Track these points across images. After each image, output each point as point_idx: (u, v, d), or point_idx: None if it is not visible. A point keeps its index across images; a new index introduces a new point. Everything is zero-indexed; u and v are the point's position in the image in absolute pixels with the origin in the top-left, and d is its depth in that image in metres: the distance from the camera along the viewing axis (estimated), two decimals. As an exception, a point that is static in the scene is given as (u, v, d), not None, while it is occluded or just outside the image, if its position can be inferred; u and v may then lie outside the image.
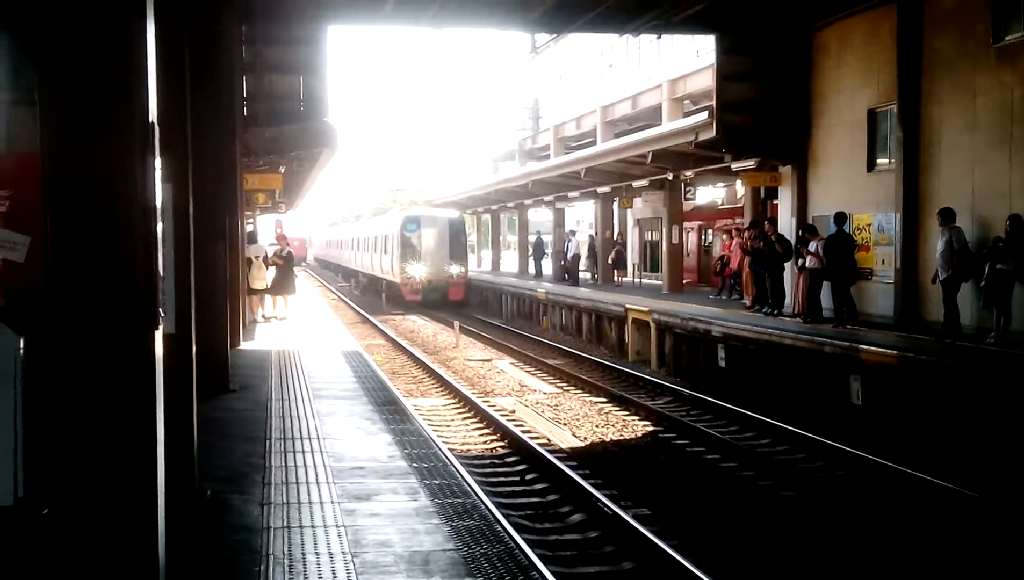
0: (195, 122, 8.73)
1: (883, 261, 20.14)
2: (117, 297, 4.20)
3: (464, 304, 40.46)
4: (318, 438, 10.51)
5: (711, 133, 23.21)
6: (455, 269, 40.79)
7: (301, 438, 10.51)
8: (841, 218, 19.48)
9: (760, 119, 23.12)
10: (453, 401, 18.14)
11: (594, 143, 41.68)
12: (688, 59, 36.48)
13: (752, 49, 23.05)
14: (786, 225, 23.22)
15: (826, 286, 19.93)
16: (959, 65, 18.10)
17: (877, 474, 12.25)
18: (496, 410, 16.82)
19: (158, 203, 4.34)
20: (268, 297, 24.68)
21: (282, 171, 27.31)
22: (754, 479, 12.36)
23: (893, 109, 19.75)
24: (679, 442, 14.59)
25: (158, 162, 4.36)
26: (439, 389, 19.65)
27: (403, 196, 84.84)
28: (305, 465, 9.28)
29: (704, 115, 24.27)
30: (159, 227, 4.37)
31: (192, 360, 8.07)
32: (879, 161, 20.86)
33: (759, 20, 22.41)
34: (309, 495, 8.21)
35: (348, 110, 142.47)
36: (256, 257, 23.22)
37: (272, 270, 23.94)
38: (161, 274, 4.45)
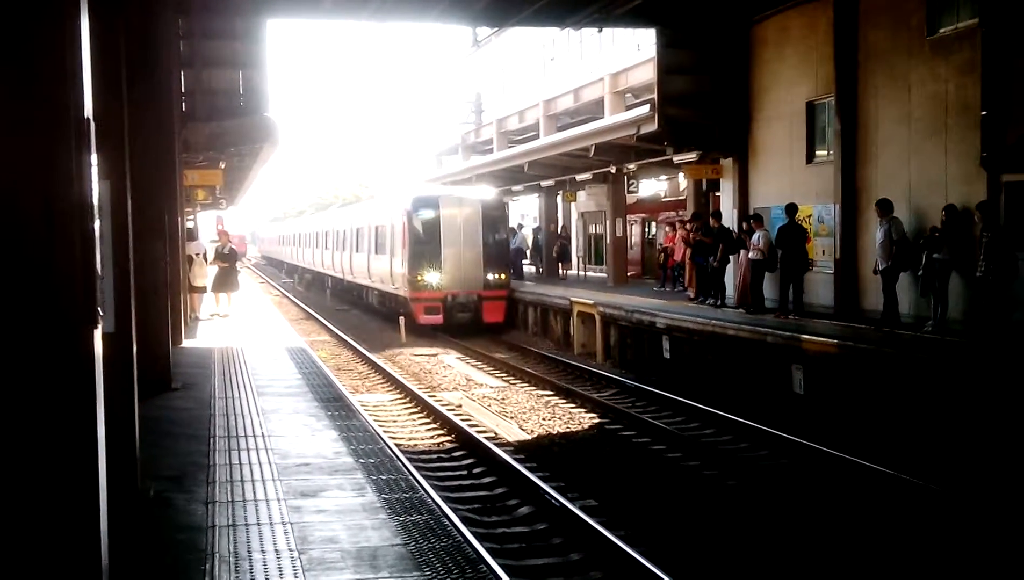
0: (132, 118, 8.62)
1: (823, 252, 20.42)
2: (54, 296, 4.13)
3: (503, 328, 28.23)
4: (263, 435, 10.43)
5: (653, 126, 23.35)
6: (492, 276, 28.17)
7: (246, 435, 10.42)
8: (792, 209, 19.68)
9: (701, 112, 23.32)
10: (399, 396, 18.09)
11: (537, 137, 41.69)
12: (630, 53, 36.65)
13: (693, 42, 23.23)
14: (728, 217, 23.44)
15: (769, 276, 20.17)
16: (894, 58, 18.39)
17: (819, 462, 12.43)
18: (443, 405, 16.81)
19: (95, 200, 4.28)
20: (211, 294, 24.42)
21: (222, 167, 27.02)
22: (699, 468, 12.47)
23: (831, 101, 20.02)
24: (625, 434, 14.69)
25: (94, 159, 4.29)
26: (385, 384, 19.59)
27: (345, 191, 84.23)
28: (250, 462, 9.21)
29: (646, 108, 24.45)
30: (96, 225, 4.31)
31: (132, 358, 7.97)
32: (818, 153, 21.14)
33: (699, 14, 22.59)
34: (255, 492, 8.15)
35: (289, 105, 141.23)
36: (197, 254, 22.96)
37: (214, 267, 23.70)
38: (99, 272, 4.39)
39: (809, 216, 20.75)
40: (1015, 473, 11.33)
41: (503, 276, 28.40)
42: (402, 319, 28.22)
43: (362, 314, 35.39)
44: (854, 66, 19.32)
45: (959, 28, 17.04)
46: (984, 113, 15.76)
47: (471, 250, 28.05)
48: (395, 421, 15.97)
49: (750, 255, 20.18)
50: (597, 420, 15.75)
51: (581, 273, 37.37)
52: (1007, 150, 15.51)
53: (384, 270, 30.69)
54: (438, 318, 27.44)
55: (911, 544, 9.37)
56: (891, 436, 13.40)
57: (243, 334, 20.78)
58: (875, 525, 9.94)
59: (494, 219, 28.91)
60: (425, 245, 27.69)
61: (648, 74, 30.69)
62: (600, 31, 29.57)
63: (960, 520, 9.94)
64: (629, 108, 32.48)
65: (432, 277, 27.50)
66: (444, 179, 43.87)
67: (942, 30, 17.44)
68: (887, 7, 18.64)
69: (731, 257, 21.67)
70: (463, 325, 27.54)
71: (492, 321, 27.77)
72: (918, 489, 10.86)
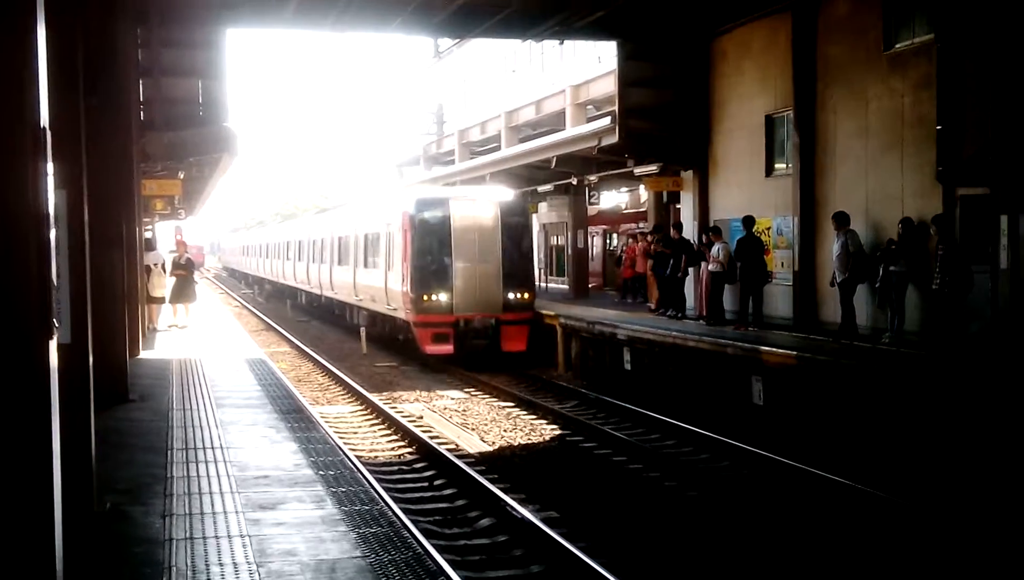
0: (89, 126, 8.53)
1: (782, 264, 20.59)
2: (8, 306, 4.07)
3: (526, 355, 23.25)
4: (221, 447, 10.32)
5: (614, 138, 23.47)
6: (514, 295, 23.15)
7: (204, 448, 10.31)
8: (750, 221, 19.82)
9: (662, 124, 23.47)
10: (360, 408, 18.01)
11: (499, 148, 41.75)
12: (591, 65, 36.81)
13: (654, 55, 23.39)
14: (688, 229, 23.58)
15: (729, 288, 20.30)
16: (852, 72, 18.60)
17: (777, 472, 12.50)
18: (404, 416, 16.75)
19: (51, 209, 4.22)
20: (169, 305, 24.20)
21: (181, 176, 26.80)
22: (659, 480, 12.51)
23: (789, 115, 20.22)
24: (586, 445, 14.70)
25: (50, 167, 4.24)
26: (346, 395, 19.49)
27: (306, 202, 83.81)
28: (208, 475, 9.11)
29: (607, 120, 24.55)
30: (52, 234, 4.26)
31: (89, 370, 7.87)
32: (777, 166, 21.33)
33: (660, 27, 22.74)
34: (212, 505, 8.06)
35: (250, 115, 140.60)
36: (155, 264, 22.75)
37: (172, 278, 23.50)
38: (55, 283, 4.33)
39: (768, 228, 20.92)
40: (971, 481, 11.46)
41: (526, 295, 23.32)
42: (363, 330, 27.99)
43: (322, 325, 35.22)
44: (812, 80, 19.53)
45: (915, 43, 17.26)
46: (940, 128, 15.96)
47: (489, 263, 22.99)
48: (356, 433, 15.89)
49: (710, 267, 20.29)
50: (559, 431, 15.75)
51: (542, 284, 37.44)
52: (962, 164, 15.72)
53: (376, 287, 25.91)
54: (448, 347, 22.50)
55: (866, 553, 9.44)
56: (848, 446, 13.50)
57: (202, 345, 20.60)
58: (831, 534, 10.01)
59: (516, 225, 23.69)
60: (432, 257, 22.84)
61: (609, 86, 30.82)
62: (561, 43, 29.67)
63: (915, 529, 10.03)
64: (590, 120, 32.59)
65: (441, 297, 22.52)
66: (406, 187, 42.17)
67: (898, 45, 17.66)
68: (845, 22, 18.87)
69: (691, 269, 21.79)
70: (478, 354, 22.80)
71: (513, 350, 22.86)
72: (874, 499, 10.95)
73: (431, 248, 22.89)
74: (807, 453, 13.18)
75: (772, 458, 12.89)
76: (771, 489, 11.89)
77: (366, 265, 27.59)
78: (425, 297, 22.56)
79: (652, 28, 22.76)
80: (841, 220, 17.22)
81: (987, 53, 15.22)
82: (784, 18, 20.14)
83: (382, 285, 25.20)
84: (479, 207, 23.53)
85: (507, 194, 25.43)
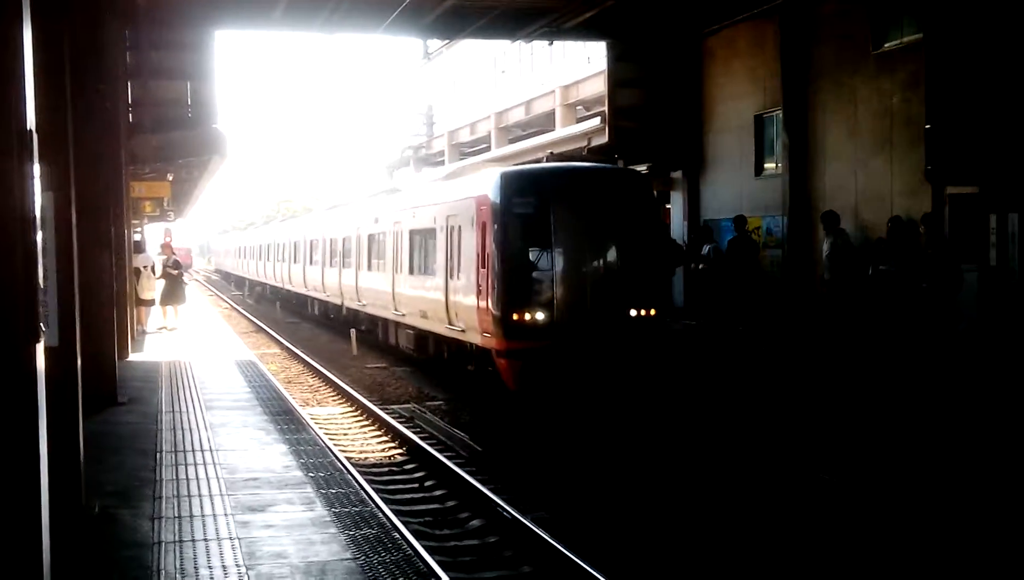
0: (77, 129, 8.51)
1: (772, 263, 20.63)
2: (-6, 309, 4.06)
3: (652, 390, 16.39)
4: (211, 450, 10.31)
5: (604, 138, 23.50)
6: (638, 310, 16.31)
7: (193, 450, 10.30)
8: (741, 221, 19.83)
9: (652, 125, 23.50)
10: (351, 409, 17.97)
11: (488, 149, 41.77)
12: (580, 65, 36.84)
13: (643, 56, 23.41)
14: (678, 229, 23.61)
15: (721, 288, 20.34)
16: (840, 72, 18.65)
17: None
18: (395, 417, 16.71)
19: (37, 212, 4.21)
20: (158, 307, 24.16)
21: (170, 178, 26.78)
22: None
23: (779, 115, 20.27)
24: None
25: (37, 170, 4.23)
26: (336, 397, 19.44)
27: (297, 204, 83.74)
28: (197, 478, 9.10)
29: (597, 121, 24.59)
30: (39, 237, 4.25)
31: (77, 373, 7.86)
32: (767, 165, 21.38)
33: (649, 27, 22.77)
34: (202, 508, 8.06)
35: (240, 116, 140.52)
36: (145, 267, 22.71)
37: (161, 280, 23.49)
38: (42, 285, 4.32)
39: (757, 228, 20.96)
40: (980, 478, 11.48)
41: (653, 311, 16.22)
42: (353, 331, 27.87)
43: (313, 327, 35.14)
44: (801, 80, 19.57)
45: (903, 43, 17.32)
46: (928, 127, 16.02)
47: (604, 267, 16.43)
48: (346, 434, 15.85)
49: (700, 266, 20.33)
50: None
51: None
52: (951, 163, 15.78)
53: (431, 299, 19.36)
54: (545, 386, 15.76)
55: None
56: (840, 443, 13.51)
57: (191, 347, 20.56)
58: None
59: (640, 212, 16.71)
60: (525, 259, 16.19)
61: (599, 87, 30.88)
62: (551, 44, 29.69)
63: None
64: (580, 120, 32.63)
65: (538, 315, 15.75)
66: (399, 191, 40.05)
67: (887, 45, 17.72)
68: (833, 22, 18.91)
69: (679, 269, 21.83)
70: (591, 392, 15.72)
71: (634, 386, 15.88)
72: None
73: (524, 246, 16.25)
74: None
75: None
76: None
77: (413, 270, 21.34)
78: (515, 315, 15.73)
79: (641, 29, 22.79)
80: (830, 220, 17.27)
81: (975, 52, 15.29)
82: (772, 19, 20.18)
83: (441, 297, 18.62)
84: (590, 188, 16.70)
85: (626, 172, 19.43)
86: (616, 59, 23.65)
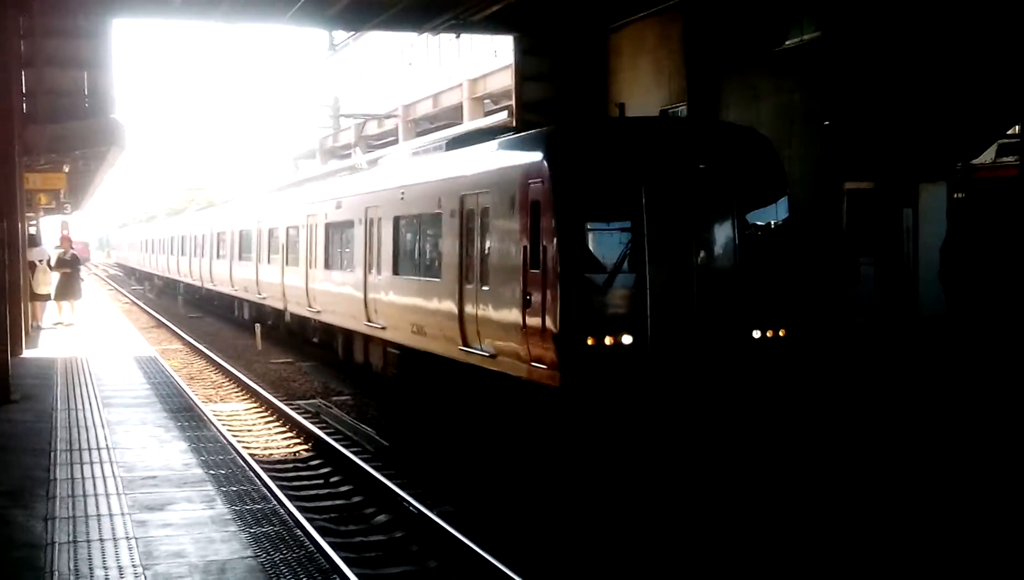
0: (-36, 116, 8.21)
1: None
2: None
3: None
4: (108, 448, 10.07)
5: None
6: (762, 331, 11.46)
7: (89, 449, 10.05)
8: None
9: (559, 119, 23.58)
10: (255, 405, 17.72)
11: (396, 142, 41.58)
12: (488, 59, 36.88)
13: (551, 50, 23.50)
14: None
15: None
16: (744, 69, 18.96)
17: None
18: (300, 413, 16.52)
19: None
20: (54, 302, 23.51)
21: (66, 170, 26.03)
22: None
23: (683, 110, 20.51)
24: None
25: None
26: (240, 393, 19.15)
27: (201, 196, 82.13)
28: (93, 476, 8.88)
29: (504, 114, 24.62)
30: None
31: (-35, 370, 7.59)
32: (671, 160, 21.60)
33: (557, 22, 22.86)
34: (98, 507, 7.86)
35: (142, 107, 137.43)
36: (40, 261, 22.07)
37: (56, 274, 22.85)
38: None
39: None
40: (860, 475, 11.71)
41: (783, 332, 11.69)
42: (258, 326, 27.43)
43: (216, 321, 34.57)
44: (705, 76, 19.84)
45: (803, 41, 17.67)
46: (827, 123, 16.38)
47: (718, 271, 11.66)
48: (250, 431, 15.63)
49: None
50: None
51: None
52: (849, 159, 16.15)
53: (433, 310, 14.52)
54: (635, 437, 10.96)
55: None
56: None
57: (89, 343, 20.07)
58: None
59: (763, 192, 12.24)
60: (605, 257, 11.47)
61: (507, 80, 30.95)
62: (458, 37, 29.66)
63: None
64: (488, 114, 32.68)
65: (624, 338, 11.05)
66: (303, 181, 35.05)
67: (787, 43, 18.05)
68: (736, 20, 19.20)
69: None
70: (700, 440, 11.07)
71: (755, 429, 11.23)
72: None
73: (602, 239, 11.67)
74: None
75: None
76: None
77: (399, 270, 16.47)
78: (590, 338, 10.96)
79: (549, 23, 22.88)
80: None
81: (872, 51, 15.68)
82: (677, 15, 20.41)
83: (450, 307, 13.76)
84: (700, 154, 11.80)
85: (750, 130, 13.50)
86: (523, 53, 23.71)
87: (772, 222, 12.12)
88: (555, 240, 11.17)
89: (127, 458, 9.63)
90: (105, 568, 6.41)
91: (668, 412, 10.89)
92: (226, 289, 31.56)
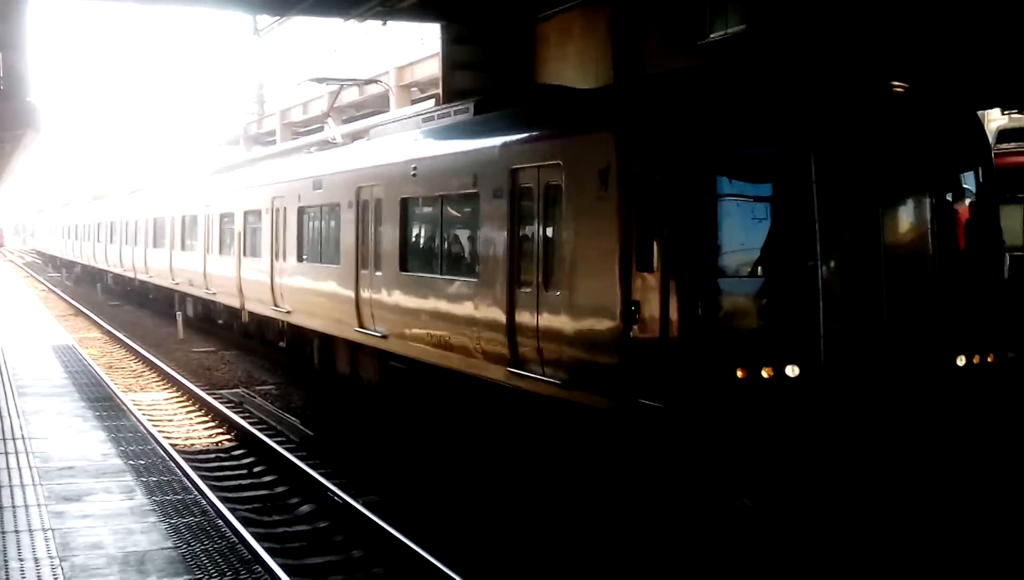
0: None
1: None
2: None
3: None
4: (23, 438, 9.85)
5: (438, 121, 23.39)
6: (969, 357, 8.22)
7: (3, 439, 9.83)
8: None
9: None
10: (176, 395, 17.45)
11: (322, 129, 41.17)
12: (415, 46, 36.73)
13: (478, 39, 23.41)
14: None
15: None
16: (670, 60, 19.04)
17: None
18: (223, 402, 16.31)
19: None
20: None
21: (-20, 154, 25.32)
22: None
23: (610, 101, 20.60)
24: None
25: None
26: (161, 382, 18.85)
27: (128, 181, 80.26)
28: (8, 467, 8.68)
29: (431, 103, 24.50)
30: None
31: None
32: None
33: (484, 10, 22.77)
34: (12, 498, 7.68)
35: (59, 90, 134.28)
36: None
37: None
38: None
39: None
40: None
41: (991, 357, 8.48)
42: (179, 314, 26.97)
43: (136, 309, 33.95)
44: (632, 67, 19.93)
45: (728, 34, 17.82)
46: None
47: (912, 269, 8.38)
48: (171, 421, 15.40)
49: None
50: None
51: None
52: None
53: (461, 317, 11.52)
54: (802, 499, 7.73)
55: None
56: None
57: (2, 331, 19.56)
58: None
59: (965, 164, 8.85)
60: (750, 258, 8.27)
61: (434, 69, 30.80)
62: (384, 24, 29.41)
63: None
64: (415, 102, 32.53)
65: (787, 370, 7.77)
66: (258, 160, 31.59)
67: (713, 35, 18.20)
68: (662, 10, 19.31)
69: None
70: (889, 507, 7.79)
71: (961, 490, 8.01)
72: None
73: (749, 235, 8.35)
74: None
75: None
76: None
77: (408, 266, 13.32)
78: (740, 369, 7.89)
79: (476, 12, 22.77)
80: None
81: (796, 45, 15.89)
82: (604, 5, 20.47)
83: (494, 313, 10.77)
84: (891, 124, 8.57)
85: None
86: (451, 41, 23.58)
87: (979, 209, 8.81)
88: (684, 230, 8.12)
89: (43, 448, 9.43)
90: (21, 560, 6.27)
91: (848, 470, 7.68)
92: (165, 282, 28.45)
